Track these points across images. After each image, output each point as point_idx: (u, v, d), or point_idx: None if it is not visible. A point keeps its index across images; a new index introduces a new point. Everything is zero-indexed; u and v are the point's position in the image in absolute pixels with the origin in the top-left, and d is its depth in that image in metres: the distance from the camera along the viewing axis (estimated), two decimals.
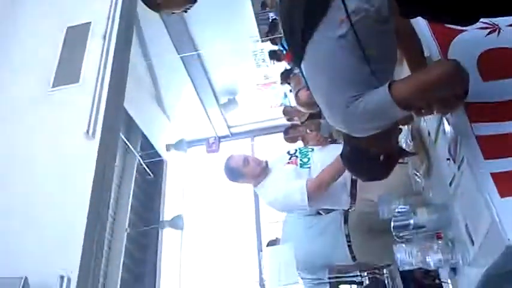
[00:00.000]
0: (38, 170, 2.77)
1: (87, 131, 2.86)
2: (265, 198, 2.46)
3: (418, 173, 1.71)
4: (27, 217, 2.46)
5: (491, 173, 1.15)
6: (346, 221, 2.48)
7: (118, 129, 3.27)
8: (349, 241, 2.45)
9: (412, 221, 1.49)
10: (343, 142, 1.50)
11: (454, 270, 1.45)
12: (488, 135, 1.22)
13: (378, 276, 3.25)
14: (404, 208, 1.55)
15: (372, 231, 2.35)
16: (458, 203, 1.34)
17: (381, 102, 1.17)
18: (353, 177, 2.22)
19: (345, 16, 1.15)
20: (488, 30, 1.39)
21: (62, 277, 2.20)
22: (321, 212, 2.74)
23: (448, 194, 1.43)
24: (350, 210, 2.46)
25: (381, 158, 1.36)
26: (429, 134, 1.57)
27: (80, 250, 2.39)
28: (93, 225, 2.53)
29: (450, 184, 1.38)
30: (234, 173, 2.44)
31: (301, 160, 2.45)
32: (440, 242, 1.45)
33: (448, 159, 1.38)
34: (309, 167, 2.39)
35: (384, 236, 1.97)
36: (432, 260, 1.39)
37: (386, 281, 3.29)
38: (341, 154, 1.50)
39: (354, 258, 2.51)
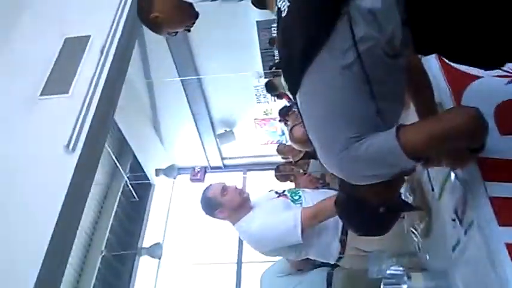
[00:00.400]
0: (10, 178, 2.60)
1: (68, 145, 2.71)
2: (247, 233, 2.16)
3: (415, 232, 1.53)
4: None
5: (506, 243, 0.98)
6: (329, 285, 2.25)
7: (101, 147, 3.10)
8: None
9: (405, 287, 1.30)
10: (338, 188, 1.33)
11: None
12: (505, 197, 1.06)
13: None
14: (397, 270, 1.37)
15: None
16: (462, 273, 1.16)
17: (385, 148, 1.01)
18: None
19: (351, 43, 1.01)
20: (509, 78, 1.25)
21: None
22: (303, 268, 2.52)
23: (449, 260, 1.25)
24: (335, 270, 2.24)
25: (381, 210, 1.18)
26: (432, 188, 1.40)
27: (37, 271, 2.18)
28: (58, 244, 2.33)
29: (453, 249, 1.20)
30: (211, 203, 2.19)
31: (291, 197, 2.25)
32: None
33: (453, 220, 1.20)
34: (301, 203, 2.18)
35: None
36: None
37: None
38: (335, 201, 1.32)
39: None
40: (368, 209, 1.17)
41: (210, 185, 2.30)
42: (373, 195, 1.14)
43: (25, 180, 2.56)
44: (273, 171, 4.66)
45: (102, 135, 3.13)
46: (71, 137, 2.74)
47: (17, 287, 2.08)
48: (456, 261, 1.19)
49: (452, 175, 1.23)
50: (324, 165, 1.17)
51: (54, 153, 2.71)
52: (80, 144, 2.75)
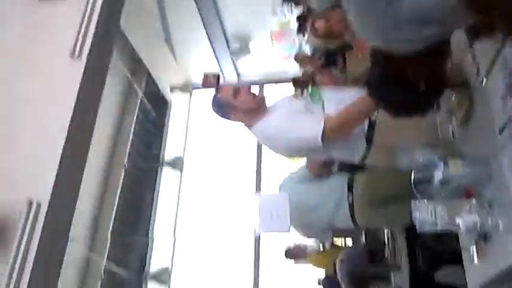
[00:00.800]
0: (16, 88, 2.52)
1: (73, 51, 2.57)
2: (265, 133, 2.02)
3: (452, 119, 1.39)
4: None
5: None
6: (350, 188, 2.17)
7: (109, 53, 2.95)
8: (352, 213, 2.17)
9: (439, 173, 1.17)
10: (371, 64, 1.15)
11: (484, 236, 1.15)
12: None
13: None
14: (431, 158, 1.24)
15: (378, 202, 2.07)
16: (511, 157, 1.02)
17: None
18: (371, 118, 1.86)
19: None
20: None
21: (30, 202, 1.97)
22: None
23: (493, 145, 1.11)
24: (356, 174, 2.15)
25: (421, 86, 1.01)
26: (478, 71, 1.22)
27: (54, 175, 2.16)
28: (71, 150, 2.29)
29: (501, 131, 1.06)
30: (223, 106, 2.05)
31: (311, 97, 2.09)
32: (473, 201, 1.15)
33: (503, 98, 1.04)
34: (322, 102, 2.02)
35: (393, 205, 1.69)
36: (464, 222, 1.08)
37: (386, 241, 3.13)
38: (368, 80, 1.16)
39: (356, 226, 2.28)
40: (407, 84, 1.01)
41: (221, 86, 2.17)
42: (415, 66, 0.97)
43: (31, 88, 2.48)
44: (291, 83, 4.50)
45: (109, 41, 2.96)
46: (75, 43, 2.60)
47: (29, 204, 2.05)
48: (504, 144, 1.05)
49: (507, 45, 1.05)
50: (362, 34, 0.99)
51: (61, 60, 2.59)
52: (86, 50, 2.61)
